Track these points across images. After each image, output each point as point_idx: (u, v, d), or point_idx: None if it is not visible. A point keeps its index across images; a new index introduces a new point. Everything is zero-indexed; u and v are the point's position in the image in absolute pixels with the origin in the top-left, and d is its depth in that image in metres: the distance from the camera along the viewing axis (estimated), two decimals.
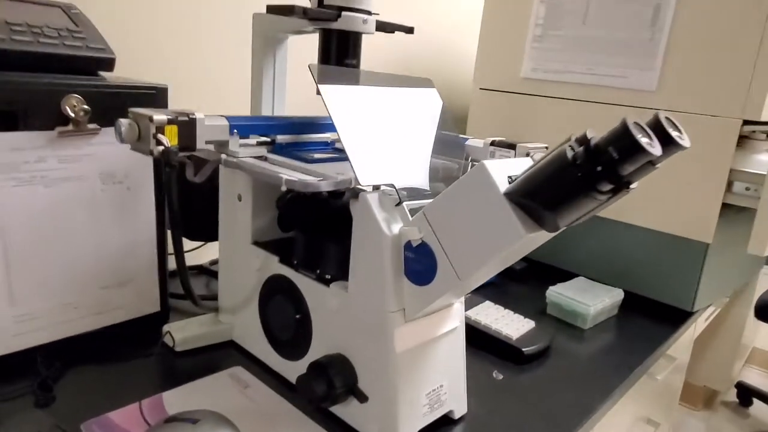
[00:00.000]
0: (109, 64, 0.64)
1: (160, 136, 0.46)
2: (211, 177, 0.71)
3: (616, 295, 0.88)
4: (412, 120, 0.60)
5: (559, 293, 0.86)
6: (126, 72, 0.74)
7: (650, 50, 0.87)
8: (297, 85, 0.65)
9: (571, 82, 0.96)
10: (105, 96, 0.62)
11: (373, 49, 1.20)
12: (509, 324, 0.76)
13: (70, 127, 0.60)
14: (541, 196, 0.39)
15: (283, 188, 0.46)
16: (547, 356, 0.74)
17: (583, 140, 0.38)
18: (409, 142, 0.58)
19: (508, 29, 1.04)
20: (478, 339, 0.74)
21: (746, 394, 2.03)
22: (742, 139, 0.85)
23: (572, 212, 0.39)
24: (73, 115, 0.59)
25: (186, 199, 0.74)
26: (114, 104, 0.62)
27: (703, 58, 0.84)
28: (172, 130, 0.47)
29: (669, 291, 0.91)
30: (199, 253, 0.94)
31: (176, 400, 0.57)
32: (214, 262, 0.94)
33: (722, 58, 0.82)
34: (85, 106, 0.59)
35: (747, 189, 0.84)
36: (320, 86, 0.51)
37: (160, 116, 0.47)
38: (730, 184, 0.85)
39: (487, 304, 0.82)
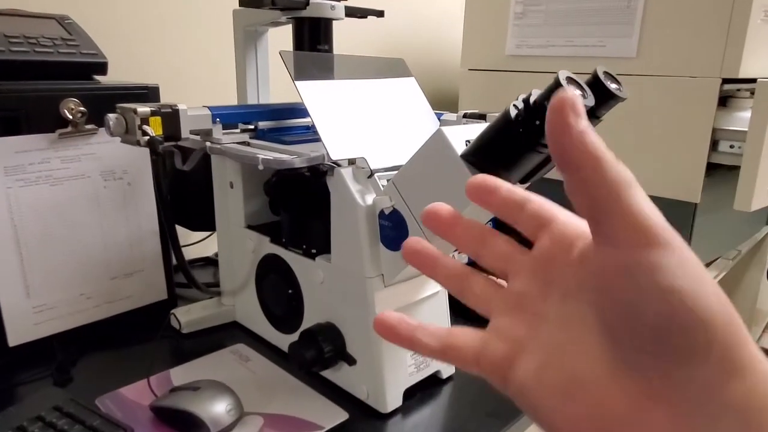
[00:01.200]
0: (102, 67, 0.69)
1: (145, 126, 0.50)
2: (207, 167, 0.75)
3: None
4: (386, 106, 0.63)
5: None
6: (120, 74, 0.78)
7: (627, 17, 0.89)
8: (280, 74, 0.69)
9: (554, 56, 0.98)
10: (100, 98, 0.66)
11: (365, 34, 1.22)
12: None
13: (70, 128, 0.64)
14: (491, 154, 0.42)
15: (260, 167, 0.50)
16: None
17: (526, 99, 0.41)
18: (383, 123, 0.61)
19: (491, 9, 1.06)
20: (465, 307, 0.77)
21: None
22: (727, 99, 0.86)
23: (521, 168, 0.42)
24: (71, 117, 0.64)
25: (188, 190, 0.78)
26: (109, 105, 0.66)
27: (680, 21, 0.85)
28: (157, 121, 0.51)
29: None
30: (205, 245, 0.98)
31: (182, 374, 0.62)
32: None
33: (698, 19, 0.83)
34: (82, 108, 0.64)
35: (731, 147, 0.85)
36: (293, 76, 0.54)
37: (143, 108, 0.51)
38: (715, 144, 0.87)
39: None
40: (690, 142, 0.87)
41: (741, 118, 0.86)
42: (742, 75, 0.82)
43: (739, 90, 0.89)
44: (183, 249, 0.74)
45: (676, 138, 0.88)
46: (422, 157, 0.47)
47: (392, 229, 0.52)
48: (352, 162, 0.54)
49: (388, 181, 0.54)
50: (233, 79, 0.75)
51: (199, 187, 0.78)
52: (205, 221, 0.83)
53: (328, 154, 0.50)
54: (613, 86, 0.40)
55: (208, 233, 0.99)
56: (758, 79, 0.78)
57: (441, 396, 0.59)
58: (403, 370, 0.57)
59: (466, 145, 0.46)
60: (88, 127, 0.66)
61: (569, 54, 0.96)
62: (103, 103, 0.66)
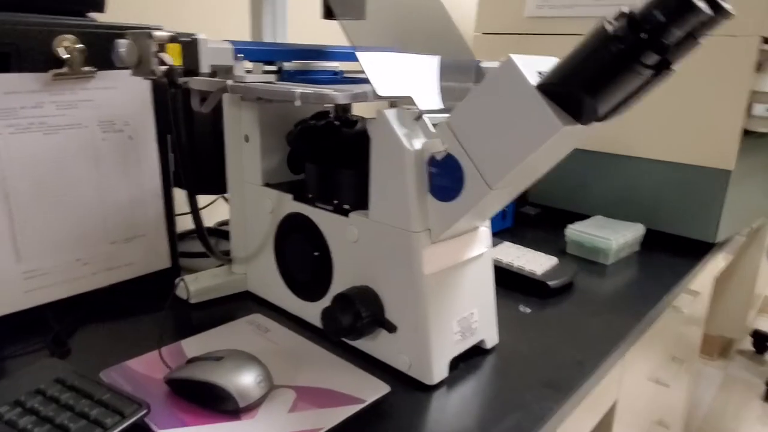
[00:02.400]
0: (99, 4, 0.61)
1: (162, 54, 0.43)
2: (214, 122, 0.68)
3: (637, 230, 0.86)
4: (429, 50, 0.57)
5: (578, 231, 0.83)
6: (118, 14, 0.71)
7: None
8: (297, 13, 0.62)
9: (579, 16, 0.93)
10: (99, 37, 0.59)
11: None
12: (531, 261, 0.74)
13: (65, 69, 0.57)
14: (580, 79, 0.36)
15: (297, 103, 0.43)
16: (571, 291, 0.72)
17: (619, 16, 0.36)
18: (428, 68, 0.55)
19: None
20: (501, 276, 0.72)
21: (762, 341, 2.02)
22: (761, 63, 0.82)
23: (614, 94, 0.36)
24: (67, 56, 0.56)
25: (187, 148, 0.71)
26: (108, 47, 0.59)
27: None
28: (175, 49, 0.44)
29: (690, 224, 0.89)
30: (206, 214, 0.91)
31: (196, 345, 0.55)
32: (222, 223, 0.92)
33: None
34: (80, 46, 0.56)
35: None
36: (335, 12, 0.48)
37: (161, 33, 0.44)
38: (750, 108, 0.83)
39: (507, 244, 0.80)
40: (726, 105, 0.82)
41: None
42: None
43: None
44: (178, 219, 0.67)
45: (710, 102, 0.83)
46: (486, 92, 0.42)
47: (444, 177, 0.46)
48: (393, 105, 0.48)
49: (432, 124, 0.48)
50: (246, 20, 0.67)
51: (203, 142, 0.72)
52: (209, 183, 0.76)
53: (374, 90, 0.44)
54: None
55: (212, 199, 0.92)
56: None
57: (486, 366, 0.54)
58: (450, 337, 0.51)
59: (540, 76, 0.40)
60: (86, 69, 0.58)
61: (596, 14, 0.91)
62: (101, 44, 0.59)
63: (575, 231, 0.83)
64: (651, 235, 0.90)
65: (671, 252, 0.87)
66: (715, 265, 1.10)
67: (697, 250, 0.87)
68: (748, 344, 2.07)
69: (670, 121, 0.87)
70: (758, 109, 0.82)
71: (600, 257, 0.81)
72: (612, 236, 0.81)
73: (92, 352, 0.54)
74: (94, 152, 0.61)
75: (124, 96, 0.62)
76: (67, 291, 0.61)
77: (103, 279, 0.64)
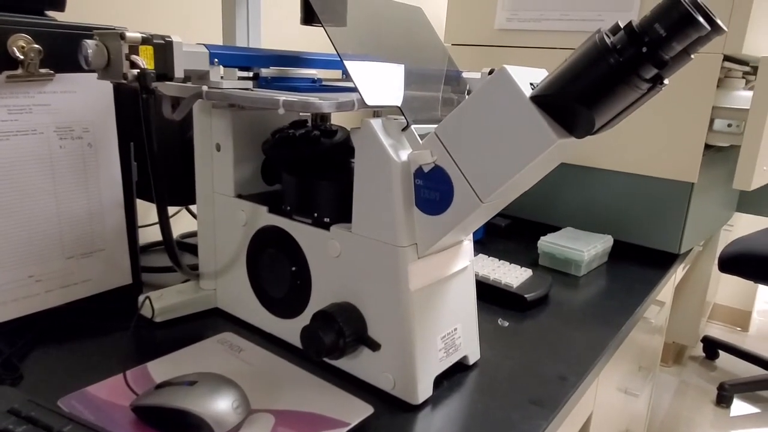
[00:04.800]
0: (58, 2, 0.57)
1: (134, 57, 0.40)
2: (179, 129, 0.65)
3: (606, 241, 0.87)
4: (414, 58, 0.56)
5: (551, 243, 0.83)
6: (78, 14, 0.66)
7: None
8: (271, 17, 0.59)
9: (547, 30, 0.94)
10: (58, 38, 0.55)
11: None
12: (507, 273, 0.73)
13: (20, 71, 0.53)
14: (576, 91, 0.35)
15: (281, 111, 0.41)
16: (547, 303, 0.72)
17: (616, 29, 0.35)
18: (414, 76, 0.53)
19: None
20: (478, 289, 0.70)
21: (712, 347, 2.10)
22: (720, 80, 0.85)
23: (610, 107, 0.36)
24: (22, 57, 0.52)
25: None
26: (68, 48, 0.55)
27: None
28: (147, 52, 0.41)
29: (656, 235, 0.91)
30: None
31: (164, 368, 0.52)
32: (186, 236, 0.88)
33: None
34: (36, 46, 0.52)
35: (729, 125, 0.84)
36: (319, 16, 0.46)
37: (133, 35, 0.41)
38: (710, 123, 0.85)
39: (482, 257, 0.79)
40: (690, 119, 0.85)
41: (738, 97, 0.85)
42: (745, 52, 0.81)
43: (731, 71, 0.89)
44: (140, 230, 0.63)
45: (675, 116, 0.85)
46: (478, 102, 0.40)
47: (432, 190, 0.44)
48: (378, 114, 0.47)
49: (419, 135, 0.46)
50: (218, 23, 0.64)
51: (166, 151, 0.68)
52: (172, 194, 0.72)
53: (362, 99, 0.42)
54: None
55: (175, 210, 0.88)
56: (762, 56, 0.77)
57: (470, 384, 0.52)
58: (434, 354, 0.49)
59: (532, 88, 0.39)
60: (43, 71, 0.54)
61: (564, 28, 0.93)
62: (60, 45, 0.55)
63: (547, 243, 0.84)
64: (618, 246, 0.91)
65: (638, 263, 0.88)
66: (677, 275, 1.12)
67: (663, 261, 0.89)
68: (699, 351, 2.14)
69: (637, 134, 0.89)
70: (719, 124, 0.85)
71: (572, 269, 0.82)
72: (584, 248, 0.81)
73: (48, 377, 0.50)
74: (49, 160, 0.57)
75: (85, 101, 0.58)
76: (19, 311, 0.56)
77: (59, 297, 0.59)
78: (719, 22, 0.35)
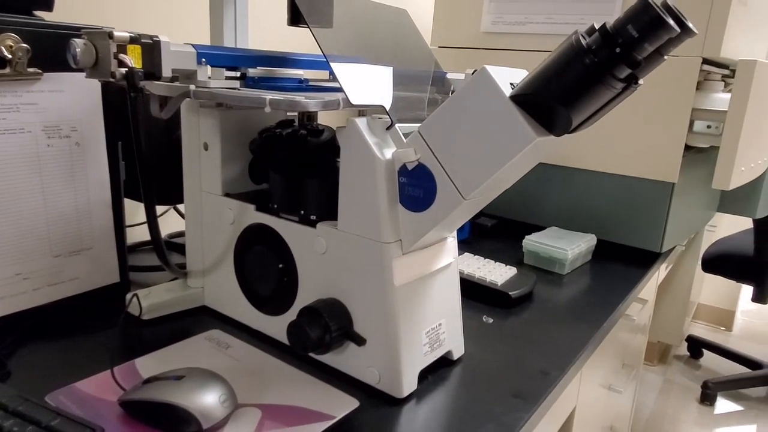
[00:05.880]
0: (47, 2, 0.57)
1: (122, 56, 0.41)
2: (166, 128, 0.65)
3: (590, 240, 0.89)
4: (399, 60, 0.57)
5: (535, 241, 0.85)
6: (66, 15, 0.67)
7: None
8: (259, 19, 0.60)
9: (531, 33, 0.96)
10: (46, 37, 0.55)
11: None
12: (492, 271, 0.74)
13: (7, 70, 0.53)
14: (554, 90, 0.37)
15: (267, 109, 0.42)
16: (531, 301, 0.73)
17: (592, 30, 0.36)
18: (399, 77, 0.54)
19: None
20: (463, 287, 0.71)
21: (696, 346, 2.13)
22: (700, 82, 0.87)
23: (587, 106, 0.37)
24: (9, 56, 0.52)
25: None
26: (56, 47, 0.55)
27: None
28: (135, 51, 0.42)
29: (638, 234, 0.93)
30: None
31: (152, 364, 0.52)
32: (173, 236, 0.88)
33: None
34: (24, 45, 0.53)
35: (708, 127, 0.86)
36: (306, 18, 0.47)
37: (121, 34, 0.41)
38: (690, 124, 0.87)
39: (467, 255, 0.80)
40: (670, 121, 0.87)
41: (717, 99, 0.87)
42: (723, 55, 0.83)
43: (710, 74, 0.91)
44: (128, 230, 0.63)
45: (656, 117, 0.87)
46: (460, 101, 0.42)
47: (415, 187, 0.45)
48: (363, 113, 0.48)
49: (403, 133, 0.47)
50: (205, 23, 0.65)
51: (154, 150, 0.68)
52: (160, 194, 0.72)
53: (347, 98, 0.43)
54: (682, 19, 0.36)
55: (163, 209, 0.88)
56: (739, 59, 0.79)
57: (454, 378, 0.53)
58: (419, 349, 0.50)
59: (512, 87, 0.40)
60: (31, 70, 0.54)
61: (548, 31, 0.94)
62: (48, 44, 0.55)
63: (532, 242, 0.85)
64: (601, 245, 0.93)
65: (621, 261, 0.90)
66: (659, 274, 1.14)
67: (645, 260, 0.91)
68: (684, 350, 2.17)
69: (620, 136, 0.91)
70: (698, 125, 0.86)
71: (556, 267, 0.83)
72: (567, 247, 0.83)
73: (35, 374, 0.50)
74: (37, 159, 0.57)
75: (72, 100, 0.59)
76: (6, 308, 0.56)
77: (46, 295, 0.60)
78: (690, 24, 0.36)
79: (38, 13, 0.59)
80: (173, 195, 0.71)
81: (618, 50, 0.34)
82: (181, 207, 0.86)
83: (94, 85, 0.60)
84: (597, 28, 0.36)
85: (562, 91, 0.36)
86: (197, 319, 0.63)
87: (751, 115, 0.81)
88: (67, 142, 0.59)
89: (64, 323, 0.59)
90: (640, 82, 0.38)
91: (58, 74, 0.57)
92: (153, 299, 0.61)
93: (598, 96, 0.36)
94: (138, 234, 0.85)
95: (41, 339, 0.56)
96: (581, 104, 0.37)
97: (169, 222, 0.91)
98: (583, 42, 0.35)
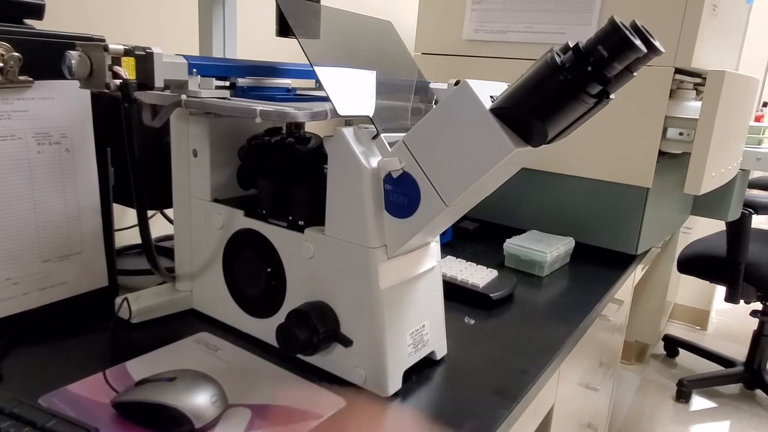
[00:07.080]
0: (37, 10, 0.58)
1: (117, 68, 0.42)
2: (156, 135, 0.66)
3: (568, 243, 0.91)
4: (383, 70, 0.59)
5: (515, 245, 0.87)
6: (57, 24, 0.67)
7: (587, 5, 0.91)
8: (247, 29, 0.61)
9: (512, 42, 0.99)
10: (36, 46, 0.56)
11: None
12: (474, 274, 0.77)
13: None
14: (530, 104, 0.39)
15: (258, 120, 0.43)
16: (511, 302, 0.76)
17: (566, 48, 0.39)
18: (384, 87, 0.56)
19: None
20: (446, 289, 0.73)
21: (672, 345, 2.18)
22: (673, 91, 0.91)
23: (561, 120, 0.39)
24: (1, 64, 0.53)
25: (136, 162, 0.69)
26: (47, 56, 0.56)
27: (637, 11, 0.88)
28: (129, 63, 0.43)
29: (614, 237, 0.96)
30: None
31: (142, 367, 0.53)
32: (161, 239, 0.89)
33: (655, 9, 0.87)
34: (16, 54, 0.53)
35: (680, 134, 0.89)
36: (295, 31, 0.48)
37: (116, 46, 0.43)
38: (664, 131, 0.90)
39: (450, 258, 0.82)
40: (644, 128, 0.90)
41: (688, 107, 0.91)
42: (694, 65, 0.86)
43: (682, 83, 0.94)
44: (116, 234, 0.64)
45: (632, 125, 0.91)
46: (442, 113, 0.44)
47: (400, 195, 0.47)
48: (349, 123, 0.50)
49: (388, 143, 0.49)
50: (194, 31, 0.66)
51: (146, 156, 0.69)
52: (149, 199, 0.73)
53: (334, 109, 0.45)
54: (650, 39, 0.39)
55: (150, 214, 0.89)
56: (709, 70, 0.83)
57: (438, 377, 0.55)
58: (404, 349, 0.52)
59: (492, 101, 0.43)
60: (22, 78, 0.55)
61: (528, 40, 0.97)
62: (38, 53, 0.56)
63: (513, 245, 0.88)
64: (579, 248, 0.96)
65: (598, 264, 0.93)
66: (635, 275, 1.18)
67: (621, 262, 0.94)
68: (660, 349, 2.23)
69: (597, 142, 0.94)
70: (671, 132, 0.90)
71: (536, 269, 0.86)
72: (547, 249, 0.85)
73: (27, 377, 0.51)
74: (27, 165, 0.58)
75: (63, 107, 0.59)
76: None
77: (36, 299, 0.60)
78: (657, 44, 0.39)
79: (29, 21, 0.60)
80: (160, 199, 0.72)
81: (590, 68, 0.36)
82: (168, 211, 0.87)
83: (84, 93, 0.60)
84: (571, 46, 0.38)
85: (538, 106, 0.39)
86: (186, 322, 0.64)
87: (721, 123, 0.85)
88: (57, 149, 0.60)
89: (54, 327, 0.60)
90: (612, 97, 0.41)
91: (49, 82, 0.58)
92: (142, 303, 0.63)
93: (571, 110, 0.39)
94: (125, 238, 0.85)
95: (32, 343, 0.57)
96: (556, 118, 0.39)
97: (155, 226, 0.91)
98: (558, 60, 0.37)
